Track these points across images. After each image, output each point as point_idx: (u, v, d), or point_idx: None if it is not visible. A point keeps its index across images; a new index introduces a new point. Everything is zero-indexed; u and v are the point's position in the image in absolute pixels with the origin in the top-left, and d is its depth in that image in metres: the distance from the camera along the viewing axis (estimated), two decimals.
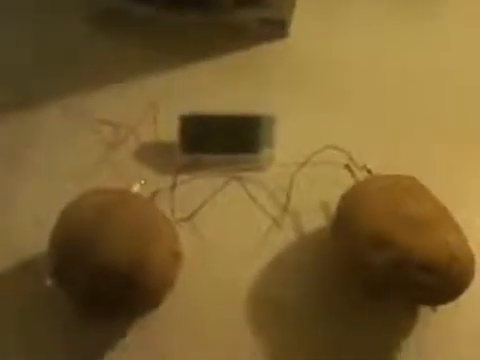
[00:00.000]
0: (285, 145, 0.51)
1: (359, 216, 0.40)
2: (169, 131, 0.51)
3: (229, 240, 0.47)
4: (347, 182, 0.46)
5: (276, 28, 0.60)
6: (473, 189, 0.50)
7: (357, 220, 0.40)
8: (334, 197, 0.45)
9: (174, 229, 0.42)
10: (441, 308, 0.40)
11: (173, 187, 0.47)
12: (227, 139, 0.51)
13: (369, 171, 0.47)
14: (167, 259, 0.39)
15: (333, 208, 0.46)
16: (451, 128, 0.54)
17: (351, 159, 0.49)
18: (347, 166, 0.48)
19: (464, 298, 0.38)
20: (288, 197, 0.49)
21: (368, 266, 0.39)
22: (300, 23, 0.60)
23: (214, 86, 0.56)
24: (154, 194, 0.47)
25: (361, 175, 0.47)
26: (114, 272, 0.37)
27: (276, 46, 0.60)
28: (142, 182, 0.48)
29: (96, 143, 0.52)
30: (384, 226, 0.39)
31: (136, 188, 0.48)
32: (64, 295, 0.39)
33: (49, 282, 0.40)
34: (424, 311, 0.43)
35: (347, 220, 0.42)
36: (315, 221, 0.48)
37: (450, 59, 0.59)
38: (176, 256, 0.40)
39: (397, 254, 0.38)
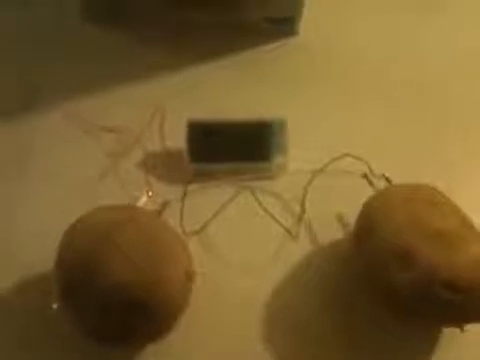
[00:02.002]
0: (298, 152, 0.48)
1: (382, 230, 0.39)
2: (177, 137, 0.48)
3: (241, 253, 0.45)
4: (364, 192, 0.44)
5: (285, 25, 0.58)
6: None
7: (379, 234, 0.38)
8: (351, 207, 0.43)
9: (187, 247, 0.40)
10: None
11: (183, 199, 0.45)
12: (237, 146, 0.48)
13: (388, 180, 0.45)
14: (183, 281, 0.37)
15: (350, 219, 0.45)
16: (474, 134, 0.52)
17: (369, 168, 0.46)
18: (365, 175, 0.46)
19: None
20: (302, 207, 0.47)
21: (391, 284, 0.37)
22: (310, 19, 0.57)
23: (223, 88, 0.54)
24: (163, 207, 0.45)
25: (379, 184, 0.45)
26: (127, 296, 0.35)
27: (286, 44, 0.57)
28: (150, 194, 0.46)
29: (99, 152, 0.50)
30: (408, 242, 0.37)
31: (143, 200, 0.46)
32: (71, 319, 0.37)
33: (55, 306, 0.38)
34: (450, 331, 0.41)
35: (369, 233, 0.40)
36: (331, 233, 0.46)
37: (471, 53, 0.56)
38: (191, 277, 0.38)
39: (421, 272, 0.36)
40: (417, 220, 0.38)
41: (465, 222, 0.39)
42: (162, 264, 0.36)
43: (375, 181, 0.46)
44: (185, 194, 0.45)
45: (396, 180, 0.46)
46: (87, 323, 0.36)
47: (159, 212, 0.44)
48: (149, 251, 0.36)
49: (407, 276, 0.36)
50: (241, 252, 0.45)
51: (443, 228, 0.37)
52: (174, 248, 0.38)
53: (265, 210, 0.46)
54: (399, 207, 0.39)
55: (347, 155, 0.46)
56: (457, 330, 0.38)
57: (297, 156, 0.48)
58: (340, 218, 0.46)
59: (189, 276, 0.38)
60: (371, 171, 0.46)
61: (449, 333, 0.41)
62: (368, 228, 0.40)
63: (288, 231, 0.46)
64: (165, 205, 0.45)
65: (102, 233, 0.37)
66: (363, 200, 0.42)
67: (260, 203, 0.46)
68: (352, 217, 0.43)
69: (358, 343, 0.42)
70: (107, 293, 0.35)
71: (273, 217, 0.46)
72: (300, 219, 0.46)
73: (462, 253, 0.36)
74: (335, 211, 0.47)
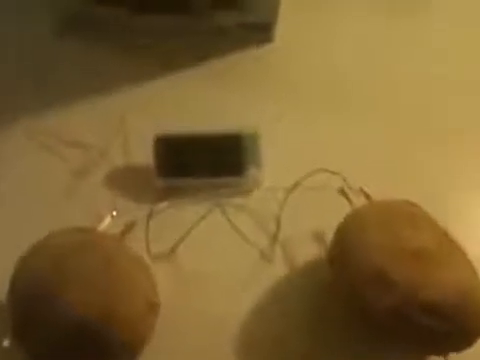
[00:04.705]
0: (272, 166, 0.46)
1: (357, 252, 0.36)
2: (144, 150, 0.46)
3: (213, 275, 0.42)
4: (343, 208, 0.42)
5: (260, 32, 0.55)
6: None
7: (355, 257, 0.36)
8: (328, 224, 0.41)
9: (150, 275, 0.37)
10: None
11: (149, 218, 0.42)
12: (208, 161, 0.46)
13: (367, 196, 0.43)
14: (143, 312, 0.34)
15: (327, 237, 0.42)
16: (454, 144, 0.49)
17: (345, 180, 0.44)
18: (342, 191, 0.43)
19: None
20: (278, 226, 0.44)
21: (368, 308, 0.35)
22: (286, 26, 0.55)
23: (192, 98, 0.51)
24: (128, 228, 0.42)
25: (358, 200, 0.43)
26: (81, 330, 0.32)
27: (260, 52, 0.55)
28: (114, 213, 0.43)
29: (63, 168, 0.47)
30: (384, 264, 0.34)
31: (107, 221, 0.43)
32: (25, 354, 0.34)
33: (7, 342, 0.35)
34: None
35: (344, 255, 0.37)
36: (308, 252, 0.43)
37: (443, 61, 0.54)
38: (153, 307, 0.35)
39: (398, 295, 0.33)
40: (393, 240, 0.35)
41: (449, 243, 0.37)
42: (119, 295, 0.34)
43: (352, 196, 0.43)
44: (151, 214, 0.42)
45: (374, 193, 0.43)
46: (40, 358, 0.33)
47: (123, 233, 0.41)
48: (106, 281, 0.34)
49: (382, 299, 0.34)
50: (213, 273, 0.42)
51: (421, 247, 0.35)
52: (135, 276, 0.35)
53: (237, 230, 0.43)
54: (374, 227, 0.37)
55: (322, 170, 0.44)
56: None
57: (271, 171, 0.46)
58: (317, 236, 0.44)
59: (151, 307, 0.35)
60: (348, 185, 0.44)
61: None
62: (343, 250, 0.37)
63: (262, 251, 0.43)
64: (131, 226, 0.42)
65: (56, 262, 0.34)
66: (341, 216, 0.40)
67: (232, 223, 0.44)
68: (329, 234, 0.40)
69: None
70: (61, 326, 0.32)
71: (245, 238, 0.43)
72: (275, 238, 0.44)
73: (442, 275, 0.34)
74: (311, 228, 0.44)
